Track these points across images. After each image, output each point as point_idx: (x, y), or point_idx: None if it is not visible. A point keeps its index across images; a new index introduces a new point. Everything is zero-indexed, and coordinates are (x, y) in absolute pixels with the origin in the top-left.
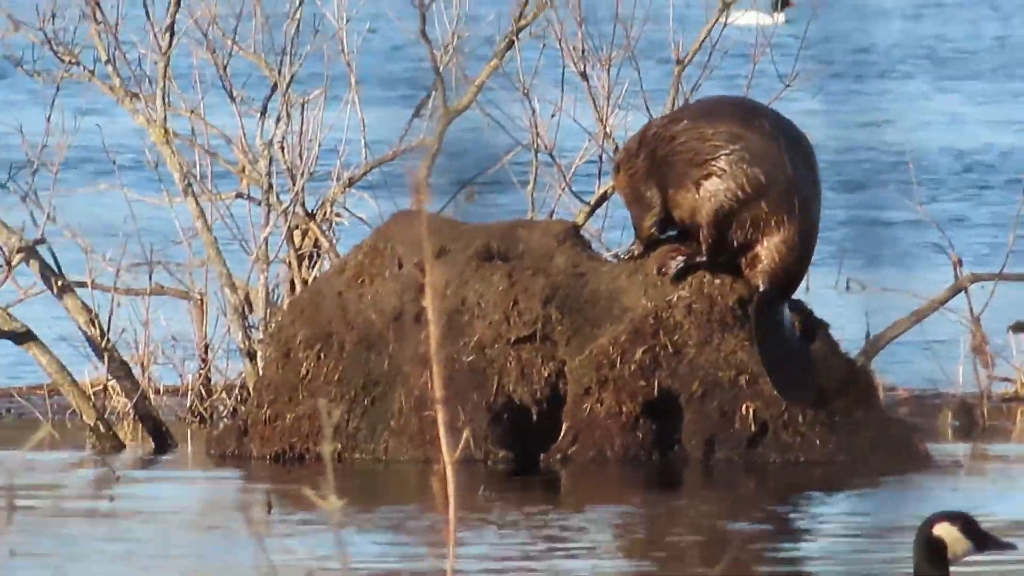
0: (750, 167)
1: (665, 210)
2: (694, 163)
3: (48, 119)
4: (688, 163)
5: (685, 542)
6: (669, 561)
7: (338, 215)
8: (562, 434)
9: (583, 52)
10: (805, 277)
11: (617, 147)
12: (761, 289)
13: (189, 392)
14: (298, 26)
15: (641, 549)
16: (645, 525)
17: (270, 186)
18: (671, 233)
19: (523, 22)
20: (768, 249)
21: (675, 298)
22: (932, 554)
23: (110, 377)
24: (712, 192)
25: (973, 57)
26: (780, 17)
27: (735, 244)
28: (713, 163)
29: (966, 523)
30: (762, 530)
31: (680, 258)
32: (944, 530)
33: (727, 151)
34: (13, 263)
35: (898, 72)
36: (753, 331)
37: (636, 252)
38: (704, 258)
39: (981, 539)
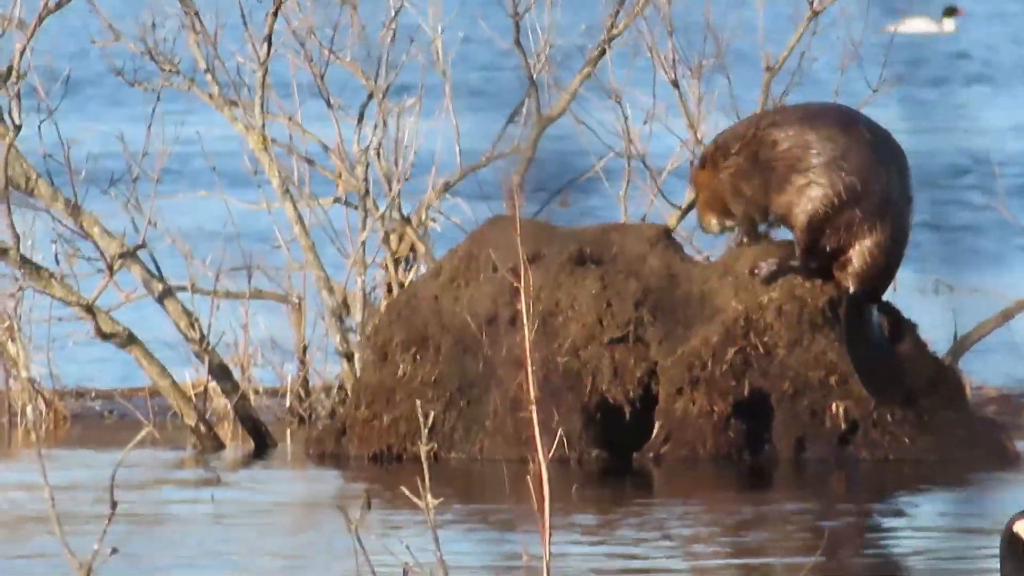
0: (848, 174)
1: (762, 208)
2: (796, 169)
3: (149, 127)
4: (789, 168)
5: (777, 540)
6: (763, 558)
7: (433, 220)
8: (655, 433)
9: (674, 61)
10: (893, 280)
11: None
12: (851, 291)
13: (288, 393)
14: (394, 35)
15: (734, 547)
16: (739, 523)
17: (367, 191)
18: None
19: (614, 31)
20: (860, 253)
21: (766, 300)
22: (1012, 552)
23: (210, 379)
24: (810, 198)
25: None
26: (949, 25)
27: (828, 249)
28: (813, 170)
29: None
30: (853, 528)
31: (772, 260)
32: (1023, 528)
33: (827, 158)
34: (115, 268)
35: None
36: (843, 332)
37: (743, 241)
38: (797, 263)
39: None
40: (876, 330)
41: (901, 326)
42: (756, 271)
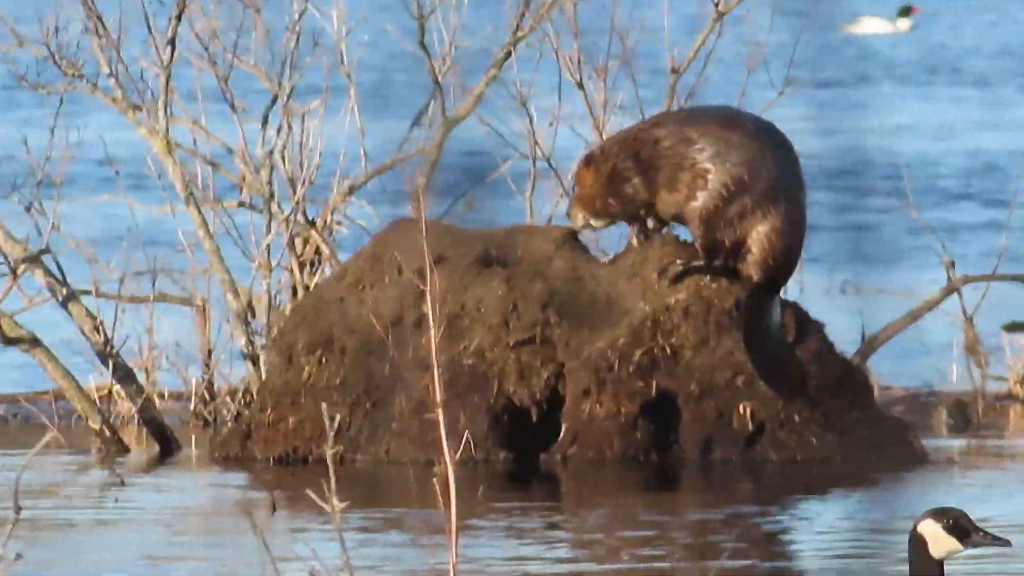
0: (733, 166)
1: (647, 206)
2: (681, 166)
3: (52, 132)
4: (675, 167)
5: (683, 544)
6: (666, 560)
7: (338, 223)
8: (561, 435)
9: (579, 62)
10: (800, 278)
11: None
12: (754, 280)
13: (193, 397)
14: (298, 38)
15: (639, 551)
16: (644, 526)
17: (271, 195)
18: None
19: (520, 34)
20: (758, 241)
21: (672, 301)
22: (917, 552)
23: (115, 382)
24: (699, 193)
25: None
26: (904, 24)
27: (727, 243)
28: (698, 165)
29: (953, 520)
30: (759, 531)
31: (679, 262)
32: (927, 528)
33: (711, 152)
34: (19, 272)
35: (912, 78)
36: (745, 323)
37: (635, 242)
38: (702, 262)
39: (967, 536)
40: (777, 324)
41: (806, 326)
42: (664, 274)
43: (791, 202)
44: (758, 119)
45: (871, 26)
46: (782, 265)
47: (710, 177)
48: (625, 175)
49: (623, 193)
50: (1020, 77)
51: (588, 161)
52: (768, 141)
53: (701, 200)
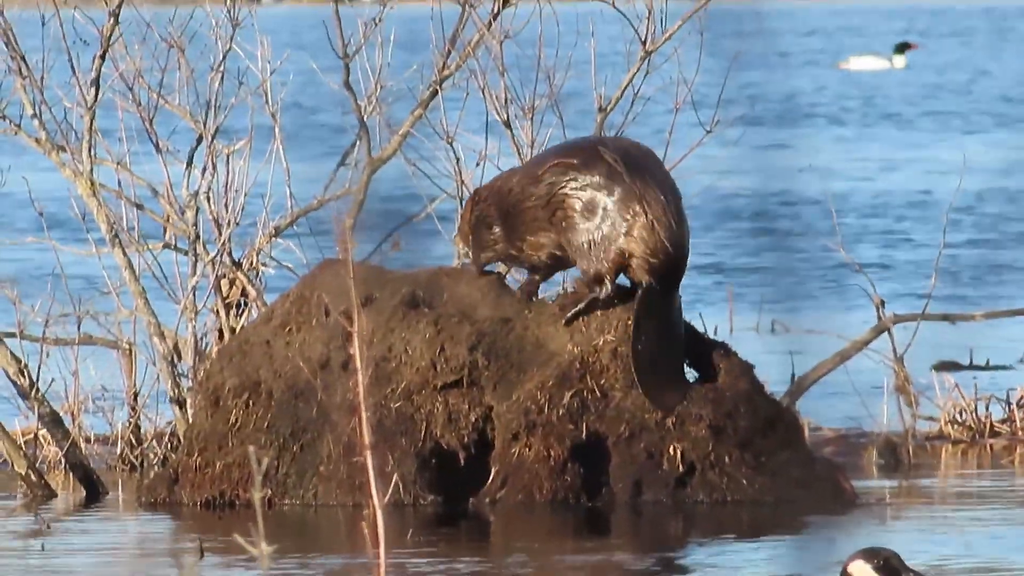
0: (586, 188)
1: (511, 258)
2: (537, 206)
3: None
4: (531, 208)
5: None
6: None
7: (264, 264)
8: (491, 478)
9: (506, 101)
10: (729, 318)
11: None
12: (645, 282)
13: (119, 440)
14: (223, 78)
15: None
16: (570, 569)
17: (197, 236)
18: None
19: (446, 72)
20: (636, 242)
21: (601, 342)
22: None
23: (40, 426)
24: (563, 227)
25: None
26: (900, 61)
27: (609, 264)
28: (553, 199)
29: (884, 560)
30: (689, 573)
31: (573, 301)
32: (857, 568)
33: (561, 184)
34: None
35: (833, 118)
36: (633, 321)
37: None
38: (596, 292)
39: None
40: (679, 331)
41: (735, 367)
42: (562, 310)
43: (654, 196)
44: (602, 137)
45: (866, 63)
46: (667, 260)
47: (568, 207)
48: (487, 222)
49: (483, 240)
50: (961, 117)
51: (472, 196)
52: (612, 150)
53: (567, 232)
